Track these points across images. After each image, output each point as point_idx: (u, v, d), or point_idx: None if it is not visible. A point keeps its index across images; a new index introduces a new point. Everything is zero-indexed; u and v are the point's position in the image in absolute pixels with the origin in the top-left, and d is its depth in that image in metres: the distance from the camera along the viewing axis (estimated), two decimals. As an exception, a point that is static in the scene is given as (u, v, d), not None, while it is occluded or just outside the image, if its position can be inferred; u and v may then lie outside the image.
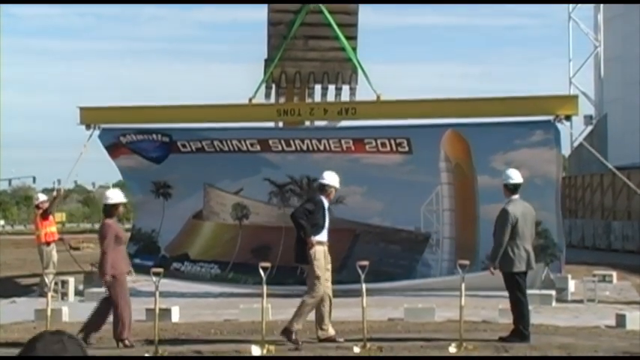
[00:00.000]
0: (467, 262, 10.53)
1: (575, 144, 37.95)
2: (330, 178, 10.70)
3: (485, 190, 14.79)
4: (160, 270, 10.09)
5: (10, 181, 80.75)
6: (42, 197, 16.73)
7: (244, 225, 16.11)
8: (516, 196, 10.59)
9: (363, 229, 15.48)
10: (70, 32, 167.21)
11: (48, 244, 15.69)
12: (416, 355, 9.45)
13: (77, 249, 31.66)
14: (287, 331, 10.10)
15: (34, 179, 77.27)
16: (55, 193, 18.01)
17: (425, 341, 10.18)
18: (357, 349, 9.70)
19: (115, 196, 10.77)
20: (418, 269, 15.19)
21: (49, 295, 14.70)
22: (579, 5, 38.61)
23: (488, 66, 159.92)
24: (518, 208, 10.44)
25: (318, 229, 10.36)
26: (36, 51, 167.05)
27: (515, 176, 10.64)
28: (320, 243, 10.35)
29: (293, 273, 15.26)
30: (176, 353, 9.75)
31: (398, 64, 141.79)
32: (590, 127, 36.99)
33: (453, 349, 9.58)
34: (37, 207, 16.26)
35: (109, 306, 10.32)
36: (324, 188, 10.65)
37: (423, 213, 15.25)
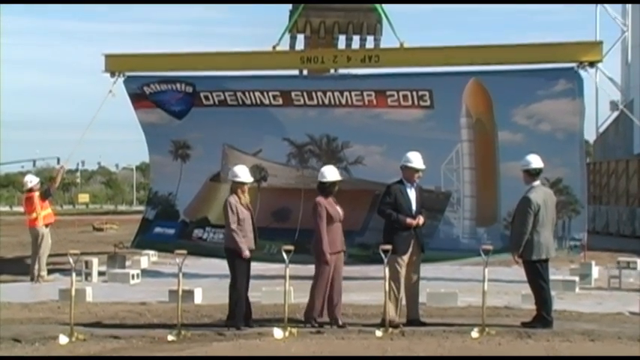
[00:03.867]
0: (490, 247, 10.47)
1: (602, 129, 37.75)
2: (416, 160, 10.61)
3: (505, 146, 14.76)
4: (184, 252, 10.09)
5: (34, 162, 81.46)
6: (34, 180, 16.09)
7: (262, 187, 16.07)
8: (537, 182, 10.53)
9: (383, 189, 15.36)
10: (95, 14, 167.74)
11: (46, 226, 15.56)
12: (438, 339, 9.44)
13: (101, 230, 31.91)
14: (388, 322, 10.01)
15: (58, 160, 77.70)
16: (60, 170, 17.66)
17: (447, 326, 10.17)
18: (379, 333, 9.72)
19: (332, 174, 10.61)
20: (440, 228, 15.15)
21: (43, 276, 14.82)
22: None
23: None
24: (540, 195, 10.39)
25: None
26: (63, 32, 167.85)
27: (536, 161, 10.57)
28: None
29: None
30: (198, 335, 9.80)
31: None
32: (616, 113, 36.68)
33: (475, 334, 9.57)
34: (31, 190, 15.65)
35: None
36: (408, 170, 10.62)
37: (442, 172, 15.20)
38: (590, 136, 39.95)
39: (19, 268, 16.57)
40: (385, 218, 10.50)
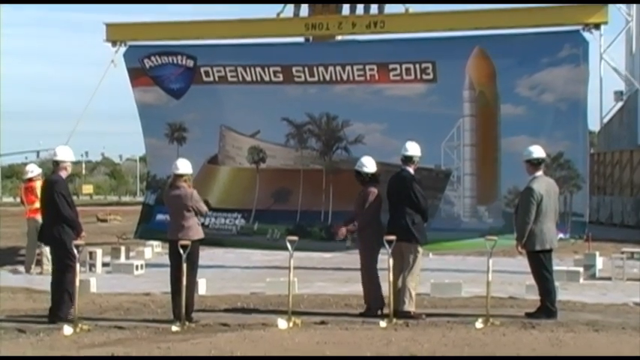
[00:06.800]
0: (495, 238, 10.45)
1: (606, 119, 37.65)
2: (414, 149, 10.68)
3: (507, 120, 14.69)
4: (188, 242, 10.08)
5: (38, 152, 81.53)
6: (36, 170, 15.84)
7: (261, 169, 16.02)
8: (540, 173, 10.52)
9: (383, 169, 15.19)
10: (99, 7, 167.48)
11: None
12: (442, 330, 9.44)
13: (104, 221, 31.94)
14: (408, 315, 10.07)
15: (63, 151, 77.49)
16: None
17: (451, 316, 10.18)
18: (383, 324, 9.72)
19: (372, 164, 10.76)
20: (441, 207, 15.06)
21: (47, 266, 14.75)
22: (611, -21, 38.04)
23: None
24: (543, 185, 10.39)
25: None
26: (68, 23, 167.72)
27: (538, 151, 10.56)
28: None
29: (317, 218, 15.33)
30: (202, 325, 9.80)
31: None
32: (620, 103, 36.60)
33: (479, 325, 9.57)
34: (31, 180, 15.46)
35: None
36: (411, 159, 10.64)
37: (443, 149, 15.12)
38: (594, 126, 39.87)
39: (23, 258, 16.56)
40: (427, 212, 10.60)
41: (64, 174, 10.45)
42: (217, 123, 16.13)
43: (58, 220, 10.14)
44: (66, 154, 10.50)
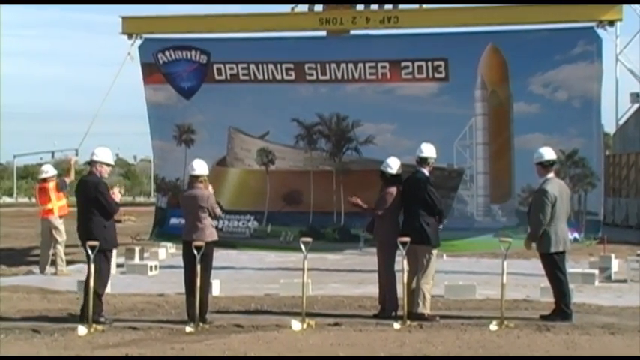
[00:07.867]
0: (509, 240, 10.41)
1: (621, 122, 37.45)
2: (429, 150, 10.67)
3: (520, 118, 14.64)
4: (201, 243, 10.09)
5: (53, 153, 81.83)
6: (51, 171, 15.97)
7: (271, 171, 15.99)
8: (551, 175, 10.49)
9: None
10: (108, 8, 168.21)
11: (60, 217, 15.48)
12: (456, 332, 9.41)
13: (119, 222, 31.91)
14: (422, 317, 10.07)
15: (77, 152, 77.82)
16: (71, 161, 17.19)
17: (465, 318, 10.15)
18: (397, 325, 9.71)
19: (396, 165, 10.77)
20: (454, 207, 15.00)
21: (62, 268, 14.84)
22: (627, -20, 37.81)
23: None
24: (555, 187, 10.38)
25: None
26: (83, 24, 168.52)
27: (549, 153, 10.53)
28: None
29: (329, 219, 15.31)
30: (216, 326, 9.81)
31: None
32: (636, 105, 36.37)
33: (494, 327, 9.55)
34: (45, 180, 15.59)
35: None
36: (426, 161, 10.64)
37: (455, 148, 15.05)
38: (610, 128, 39.65)
39: (38, 259, 16.63)
40: (442, 214, 10.67)
41: (100, 175, 10.36)
42: (225, 125, 16.12)
43: (100, 220, 10.06)
44: (104, 156, 10.44)
